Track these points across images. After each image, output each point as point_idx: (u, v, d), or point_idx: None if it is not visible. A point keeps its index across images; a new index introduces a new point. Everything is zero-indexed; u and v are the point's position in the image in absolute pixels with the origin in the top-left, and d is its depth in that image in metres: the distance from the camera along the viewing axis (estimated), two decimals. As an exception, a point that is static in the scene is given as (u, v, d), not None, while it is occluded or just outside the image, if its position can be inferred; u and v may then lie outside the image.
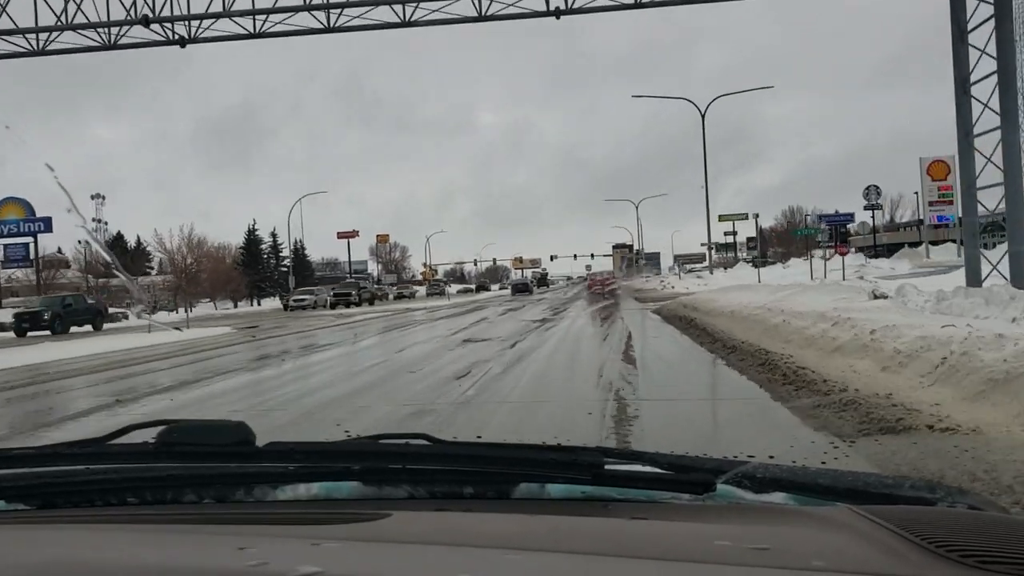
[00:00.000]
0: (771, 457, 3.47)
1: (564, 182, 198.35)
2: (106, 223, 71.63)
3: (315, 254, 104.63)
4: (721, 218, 66.22)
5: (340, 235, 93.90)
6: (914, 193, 64.92)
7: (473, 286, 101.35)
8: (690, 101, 42.26)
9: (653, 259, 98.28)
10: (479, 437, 4.76)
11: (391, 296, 59.94)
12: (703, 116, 40.32)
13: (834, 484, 1.00)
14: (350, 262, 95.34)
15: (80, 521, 1.01)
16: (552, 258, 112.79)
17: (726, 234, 69.76)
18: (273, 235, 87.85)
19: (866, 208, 58.52)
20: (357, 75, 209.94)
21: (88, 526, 0.98)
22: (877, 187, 56.94)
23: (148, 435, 1.09)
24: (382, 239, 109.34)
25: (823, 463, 3.63)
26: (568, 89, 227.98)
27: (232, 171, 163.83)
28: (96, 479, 1.08)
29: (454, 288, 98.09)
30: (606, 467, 0.99)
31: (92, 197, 71.52)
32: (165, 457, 1.08)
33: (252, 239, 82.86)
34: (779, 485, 0.99)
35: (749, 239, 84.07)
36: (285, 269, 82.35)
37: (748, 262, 63.80)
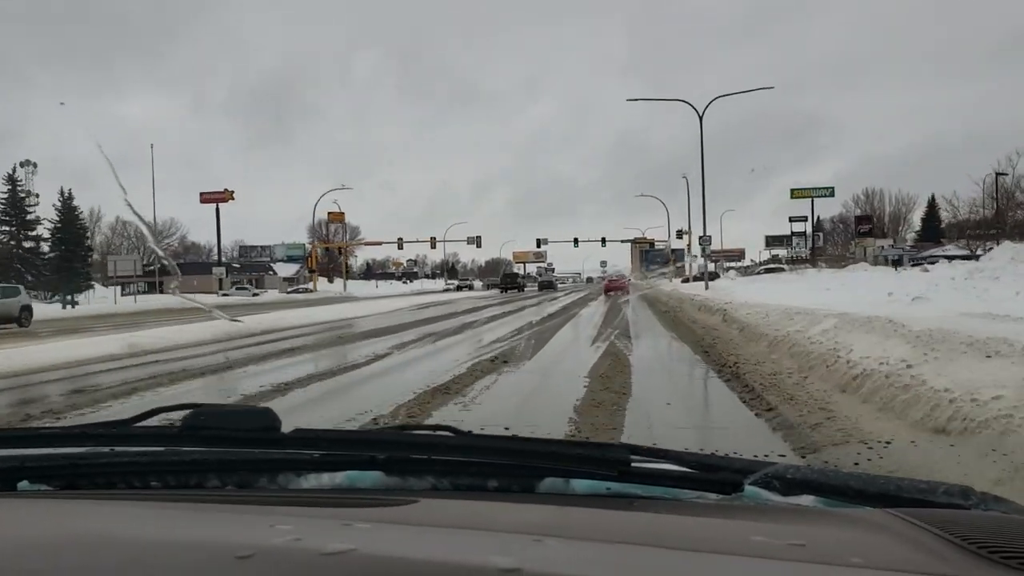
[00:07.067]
0: (803, 457, 3.40)
1: (605, 172, 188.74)
2: (37, 195, 56.15)
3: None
4: (795, 193, 47.26)
5: (204, 198, 69.97)
6: None
7: (470, 282, 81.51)
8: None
9: (676, 255, 72.05)
10: (507, 429, 4.70)
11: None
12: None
13: (865, 487, 0.98)
14: (219, 234, 73.12)
15: (103, 500, 1.00)
16: (539, 243, 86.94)
17: (792, 219, 52.99)
18: (11, 179, 53.81)
19: None
20: (411, 48, 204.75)
21: (113, 503, 0.97)
22: None
23: (174, 418, 1.08)
24: (334, 217, 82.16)
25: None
26: (634, 72, 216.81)
27: (264, 150, 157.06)
28: (120, 461, 1.07)
29: (476, 284, 77.45)
30: (632, 464, 0.98)
31: (21, 164, 55.88)
32: (190, 441, 1.07)
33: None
34: (809, 487, 0.98)
35: (858, 222, 62.46)
36: (47, 248, 55.34)
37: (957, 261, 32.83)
